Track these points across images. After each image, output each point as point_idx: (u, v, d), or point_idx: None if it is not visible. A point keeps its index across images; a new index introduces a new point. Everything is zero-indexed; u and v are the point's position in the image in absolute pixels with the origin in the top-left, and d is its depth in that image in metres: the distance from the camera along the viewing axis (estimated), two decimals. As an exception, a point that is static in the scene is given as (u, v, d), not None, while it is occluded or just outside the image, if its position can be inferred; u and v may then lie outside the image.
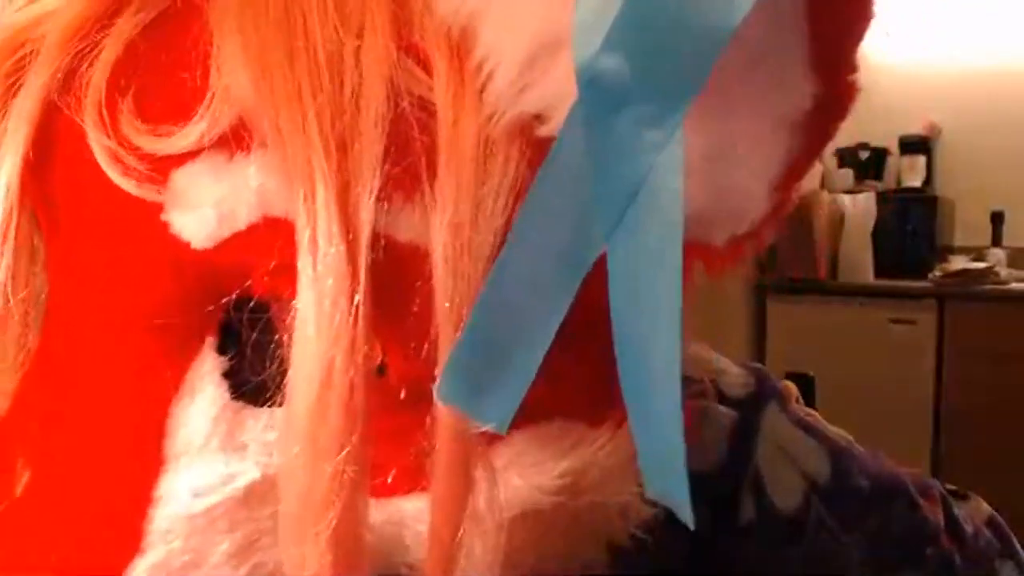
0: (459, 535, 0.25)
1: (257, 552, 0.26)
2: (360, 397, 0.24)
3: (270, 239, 0.24)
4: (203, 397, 0.26)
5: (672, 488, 0.21)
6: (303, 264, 0.24)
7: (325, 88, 0.24)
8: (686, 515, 0.21)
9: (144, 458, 0.26)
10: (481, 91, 0.24)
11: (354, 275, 0.24)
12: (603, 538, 0.30)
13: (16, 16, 0.28)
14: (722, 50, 0.19)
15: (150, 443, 0.26)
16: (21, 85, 0.27)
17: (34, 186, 0.27)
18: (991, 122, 2.84)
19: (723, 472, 0.38)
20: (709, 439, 0.39)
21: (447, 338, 0.24)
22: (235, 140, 0.24)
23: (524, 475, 0.27)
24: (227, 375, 0.26)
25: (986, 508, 0.44)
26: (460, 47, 0.24)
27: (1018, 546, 0.42)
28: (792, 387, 0.43)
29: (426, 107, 0.24)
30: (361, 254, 0.24)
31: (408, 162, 0.24)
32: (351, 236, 0.24)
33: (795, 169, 0.25)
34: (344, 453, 0.24)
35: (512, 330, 0.22)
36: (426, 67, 0.25)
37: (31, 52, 0.27)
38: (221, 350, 0.27)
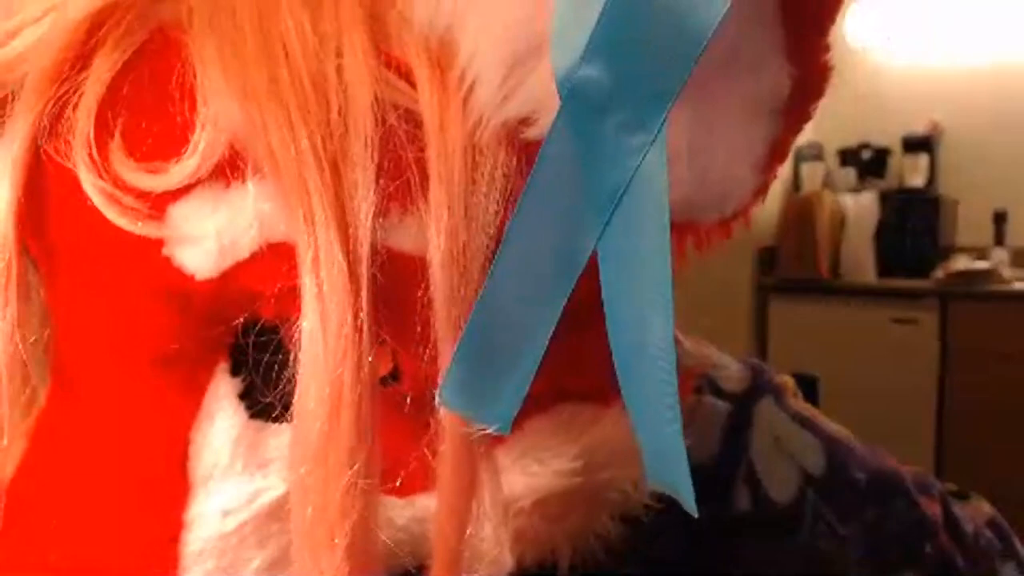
0: (465, 535, 0.26)
1: (287, 565, 0.26)
2: (368, 410, 0.24)
3: (274, 264, 0.25)
4: (222, 419, 0.27)
5: (674, 478, 0.22)
6: (307, 285, 0.24)
7: (312, 110, 0.24)
8: (690, 504, 0.22)
9: (170, 486, 0.26)
10: (465, 100, 0.24)
11: (357, 292, 0.24)
12: (618, 511, 0.31)
13: None
14: (701, 53, 0.19)
15: (174, 471, 0.27)
16: (3, 129, 0.27)
17: (29, 232, 0.27)
18: (994, 121, 2.84)
19: (717, 464, 0.39)
20: (704, 432, 0.39)
21: (448, 343, 0.25)
22: (229, 170, 0.25)
23: (542, 460, 0.28)
24: (243, 396, 0.27)
25: (988, 508, 0.44)
26: (441, 57, 0.25)
27: (1019, 547, 0.42)
28: (790, 382, 0.43)
29: (413, 119, 0.25)
30: (363, 270, 0.24)
31: (401, 175, 0.25)
32: (352, 253, 0.24)
33: (777, 150, 0.26)
34: (356, 467, 0.24)
35: (510, 333, 0.23)
36: (408, 79, 0.25)
37: (7, 96, 0.27)
38: (235, 372, 0.27)
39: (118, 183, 0.25)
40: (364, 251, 0.24)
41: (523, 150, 0.25)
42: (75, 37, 0.26)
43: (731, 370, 0.41)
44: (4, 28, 0.27)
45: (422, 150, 0.25)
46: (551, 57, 0.21)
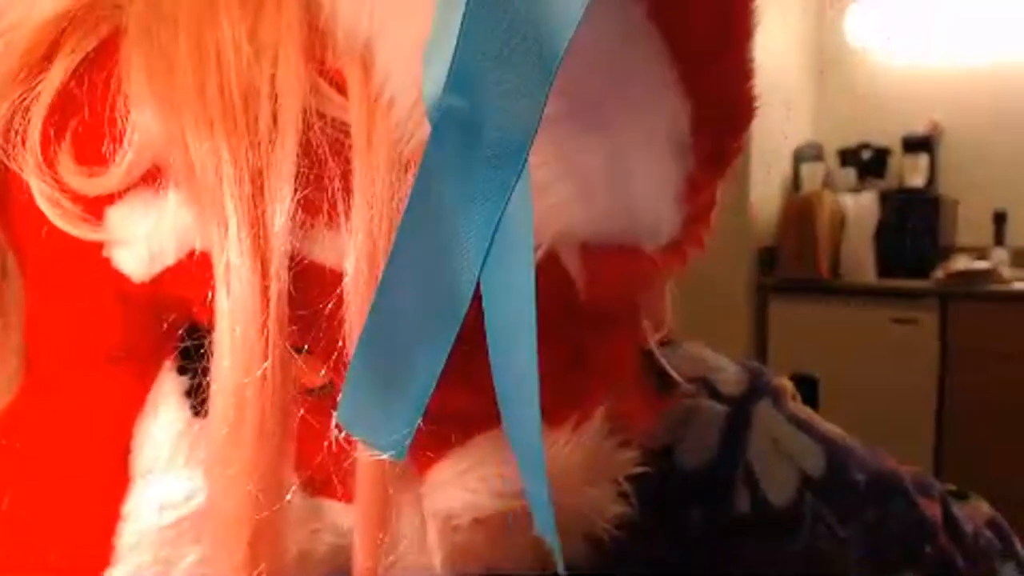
0: (379, 550, 0.26)
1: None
2: (273, 420, 0.25)
3: (198, 272, 0.25)
4: (165, 415, 0.27)
5: (544, 528, 0.22)
6: (219, 295, 0.24)
7: (239, 120, 0.24)
8: (558, 561, 0.22)
9: (111, 477, 0.27)
10: (386, 116, 0.25)
11: (266, 303, 0.24)
12: (578, 533, 0.31)
13: None
14: (552, 82, 0.19)
15: (116, 462, 0.27)
16: None
17: (2, 228, 0.28)
18: (994, 121, 2.84)
19: (716, 466, 0.39)
20: (702, 434, 0.39)
21: None
22: (155, 178, 0.25)
23: (484, 479, 0.28)
24: (188, 393, 0.27)
25: (987, 508, 0.44)
26: (370, 69, 0.25)
27: (1019, 547, 0.42)
28: (789, 385, 0.43)
29: (341, 128, 0.25)
30: (274, 282, 0.24)
31: (323, 187, 0.25)
32: (264, 264, 0.24)
33: (697, 184, 0.26)
34: (259, 474, 0.25)
35: (398, 362, 0.23)
36: (340, 89, 0.25)
37: None
38: (182, 371, 0.27)
39: (60, 186, 0.26)
40: (277, 263, 0.24)
41: None
42: (36, 43, 0.27)
43: (729, 373, 0.41)
44: None
45: (348, 163, 0.25)
46: (423, 83, 0.21)
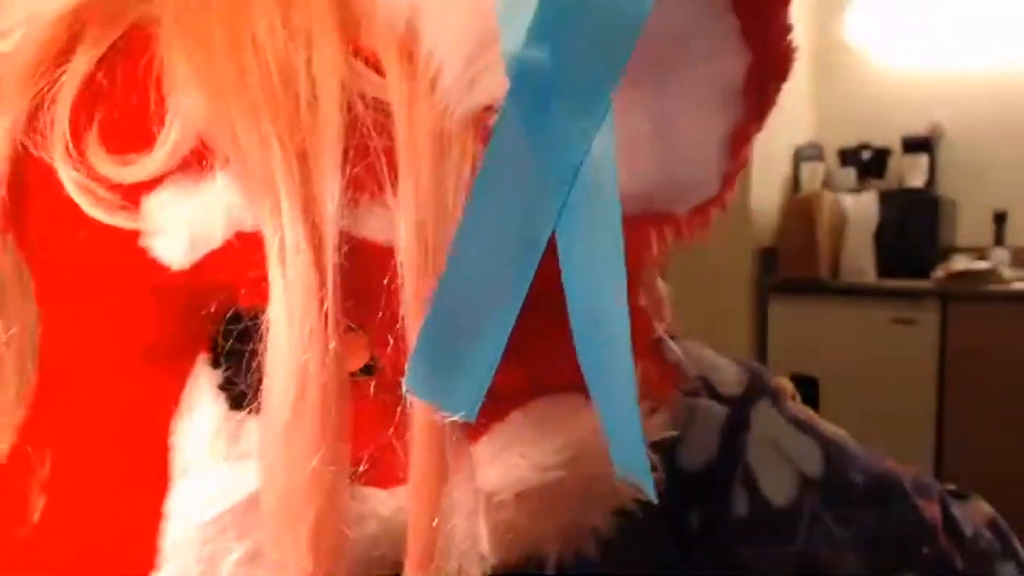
0: (435, 523, 0.26)
1: (267, 557, 0.26)
2: (334, 397, 0.25)
3: (245, 254, 0.25)
4: (201, 411, 0.27)
5: (634, 463, 0.22)
6: (273, 274, 0.24)
7: (280, 101, 0.24)
8: (649, 490, 0.22)
9: (151, 475, 0.27)
10: (431, 88, 0.25)
11: (322, 280, 0.24)
12: (611, 506, 0.31)
13: None
14: (640, 33, 0.19)
15: (156, 461, 0.27)
16: None
17: (13, 227, 0.28)
18: (994, 122, 2.84)
19: (715, 467, 0.39)
20: (701, 435, 0.39)
21: (416, 331, 0.25)
22: (200, 160, 0.25)
23: (523, 454, 0.28)
24: (223, 387, 0.27)
25: (987, 509, 0.44)
26: (408, 46, 0.25)
27: (1019, 547, 0.42)
28: (788, 385, 0.43)
29: (381, 108, 0.25)
30: (328, 259, 0.24)
31: (369, 164, 0.25)
32: (318, 242, 0.24)
33: (742, 135, 0.26)
34: (321, 453, 0.25)
35: (472, 318, 0.23)
36: (377, 68, 0.25)
37: None
38: (215, 364, 0.27)
39: (93, 175, 0.25)
40: (330, 240, 0.24)
41: (489, 138, 0.25)
42: (54, 34, 0.27)
43: (728, 373, 0.41)
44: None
45: (391, 139, 0.25)
46: (500, 41, 0.21)
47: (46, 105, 0.26)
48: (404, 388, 0.24)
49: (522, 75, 0.21)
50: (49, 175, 0.26)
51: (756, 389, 0.41)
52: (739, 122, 0.26)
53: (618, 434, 0.22)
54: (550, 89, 0.21)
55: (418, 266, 0.25)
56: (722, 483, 0.39)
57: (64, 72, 0.26)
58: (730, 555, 0.38)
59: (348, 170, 0.25)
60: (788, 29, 0.25)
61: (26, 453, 0.28)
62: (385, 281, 0.25)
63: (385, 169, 0.25)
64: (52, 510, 0.27)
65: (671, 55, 0.23)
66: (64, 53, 0.27)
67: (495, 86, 0.24)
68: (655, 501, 0.22)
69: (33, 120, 0.26)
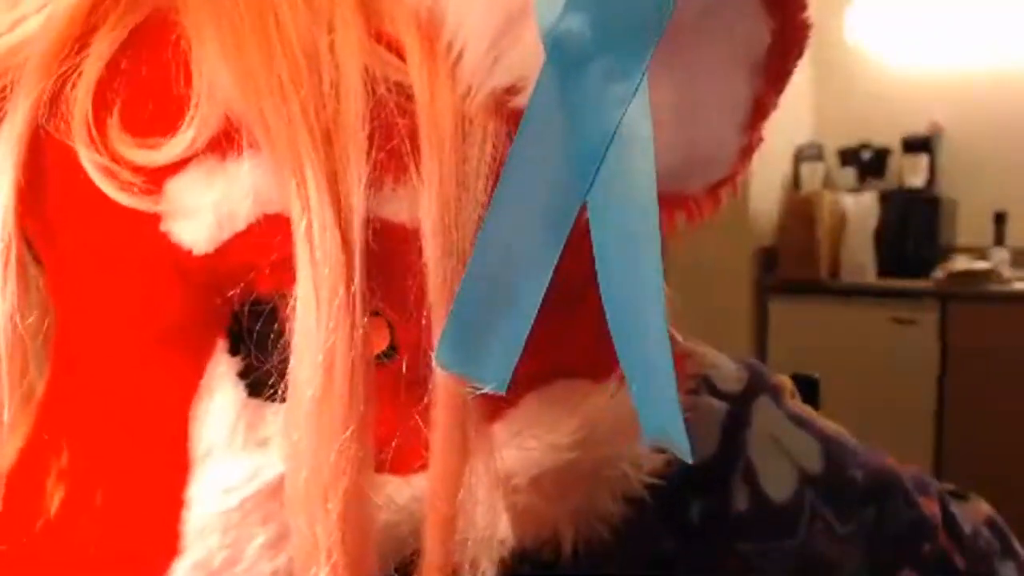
0: (456, 501, 0.26)
1: (290, 541, 0.26)
2: (360, 379, 0.25)
3: (270, 235, 0.25)
4: (220, 398, 0.27)
5: (666, 423, 0.22)
6: (300, 255, 0.24)
7: (305, 82, 0.24)
8: (685, 452, 0.22)
9: (171, 463, 0.27)
10: (454, 70, 0.25)
11: (350, 260, 0.24)
12: (618, 491, 0.31)
13: None
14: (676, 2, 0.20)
15: (175, 448, 0.27)
16: (2, 116, 0.27)
17: (28, 213, 0.28)
18: (994, 122, 2.84)
19: (715, 463, 0.39)
20: (701, 431, 0.39)
21: (441, 310, 0.25)
22: (225, 142, 0.25)
23: (538, 436, 0.28)
24: (241, 374, 0.27)
25: (986, 508, 0.44)
26: (430, 30, 0.25)
27: (1018, 546, 0.42)
28: (788, 382, 0.43)
29: (403, 91, 0.25)
30: (355, 239, 0.24)
31: (392, 146, 0.25)
32: (345, 223, 0.24)
33: (760, 108, 0.26)
34: (349, 432, 0.25)
35: (503, 291, 0.23)
36: (398, 53, 0.25)
37: (10, 82, 0.27)
38: (233, 351, 0.27)
39: (116, 158, 0.25)
40: (357, 220, 0.24)
41: (511, 119, 0.25)
42: (73, 19, 0.26)
43: (728, 370, 0.42)
44: (9, 17, 0.28)
45: (413, 121, 0.25)
46: (535, 12, 0.22)
47: (67, 90, 0.26)
48: (433, 360, 0.24)
49: (558, 46, 0.21)
50: (68, 160, 0.26)
51: (756, 386, 0.41)
52: (759, 96, 0.26)
53: (652, 401, 0.22)
54: (587, 55, 0.21)
55: (442, 247, 0.25)
56: (722, 478, 0.39)
57: (85, 57, 0.26)
58: (730, 550, 0.39)
59: (372, 150, 0.25)
60: (806, 3, 0.25)
61: (42, 444, 0.28)
62: (407, 262, 0.25)
63: (408, 150, 0.25)
64: (70, 501, 0.27)
65: (696, 26, 0.23)
66: (83, 38, 0.26)
67: (517, 66, 0.24)
68: (691, 462, 0.22)
69: (54, 105, 0.26)
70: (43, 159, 0.27)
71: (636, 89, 0.21)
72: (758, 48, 0.25)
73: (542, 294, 0.23)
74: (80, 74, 0.26)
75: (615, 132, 0.21)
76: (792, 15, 0.25)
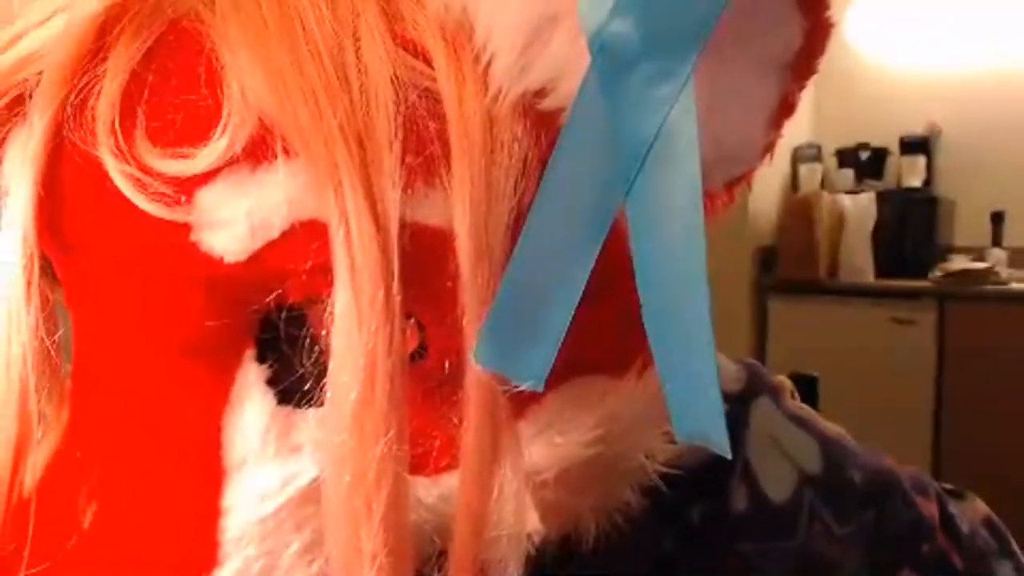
0: (488, 501, 0.27)
1: (324, 546, 0.26)
2: (400, 381, 0.25)
3: (304, 242, 0.25)
4: (251, 406, 0.27)
5: (706, 423, 0.22)
6: (339, 260, 0.24)
7: (335, 88, 0.25)
8: (725, 450, 0.22)
9: (205, 473, 0.27)
10: (484, 74, 0.25)
11: (388, 265, 0.24)
12: (635, 481, 0.32)
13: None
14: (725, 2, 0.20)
15: (208, 458, 0.27)
16: (11, 130, 0.27)
17: (46, 228, 0.27)
18: (992, 122, 2.85)
19: (714, 463, 0.39)
20: None
21: (475, 313, 0.25)
22: (258, 151, 0.25)
23: (564, 432, 0.29)
24: (270, 382, 0.27)
25: (983, 508, 0.44)
26: (455, 36, 0.25)
27: (1015, 546, 0.43)
28: (787, 383, 0.43)
29: (431, 96, 0.25)
30: (392, 244, 0.24)
31: (424, 150, 0.25)
32: (382, 229, 0.24)
33: (786, 106, 0.27)
34: (391, 434, 0.25)
35: (543, 290, 0.23)
36: (424, 59, 0.26)
37: (22, 95, 0.27)
38: (261, 359, 0.27)
39: (145, 169, 0.25)
40: (393, 225, 0.25)
41: (539, 121, 0.26)
42: (91, 31, 0.26)
43: (726, 370, 0.42)
44: (9, 32, 0.28)
45: (442, 125, 0.25)
46: (580, 17, 0.22)
47: (91, 101, 0.26)
48: (471, 358, 0.24)
49: (605, 49, 0.21)
50: (92, 171, 0.26)
51: (755, 386, 0.41)
52: (786, 94, 0.26)
53: (691, 402, 0.22)
54: (633, 58, 0.21)
55: (474, 248, 0.25)
56: (722, 479, 0.39)
57: (106, 68, 0.26)
58: (730, 550, 0.39)
59: (405, 155, 0.25)
60: (830, 2, 0.25)
61: (71, 460, 0.28)
62: (438, 264, 0.25)
63: (439, 154, 0.25)
64: (104, 516, 0.27)
65: (735, 24, 0.23)
66: (101, 50, 0.26)
67: (548, 69, 0.24)
68: (729, 456, 0.22)
69: (79, 116, 0.26)
70: (62, 171, 0.27)
71: (682, 90, 0.21)
72: (791, 48, 0.25)
73: (580, 292, 0.23)
74: (103, 85, 0.26)
75: (659, 132, 0.21)
76: (821, 15, 0.25)
